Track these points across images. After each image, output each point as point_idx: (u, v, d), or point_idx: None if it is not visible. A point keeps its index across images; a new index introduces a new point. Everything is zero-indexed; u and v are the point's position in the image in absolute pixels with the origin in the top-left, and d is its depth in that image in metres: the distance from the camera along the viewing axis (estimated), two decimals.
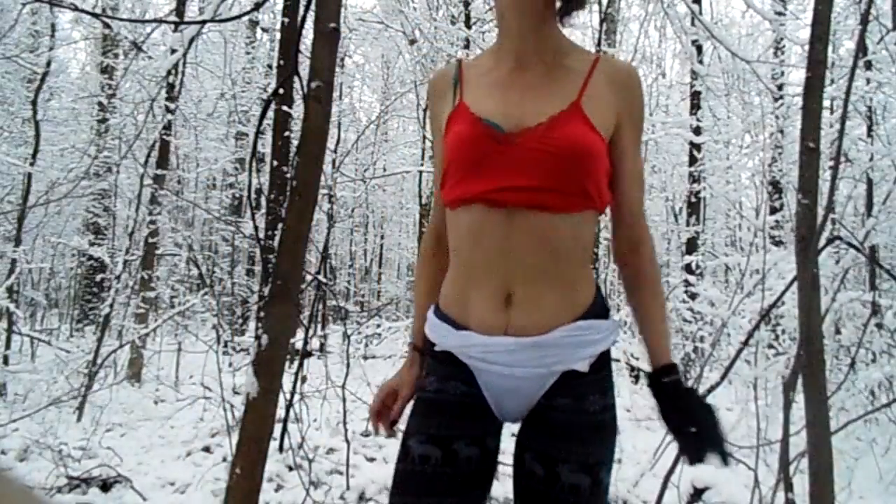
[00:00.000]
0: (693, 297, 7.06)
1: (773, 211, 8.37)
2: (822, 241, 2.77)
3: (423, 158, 10.47)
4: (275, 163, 6.60)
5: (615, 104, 1.10)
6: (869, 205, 5.87)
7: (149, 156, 7.48)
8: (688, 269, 7.87)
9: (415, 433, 1.12)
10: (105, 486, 3.78)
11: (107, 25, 6.65)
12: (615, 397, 1.14)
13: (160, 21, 4.57)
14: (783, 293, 3.39)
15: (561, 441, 1.07)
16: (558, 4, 1.12)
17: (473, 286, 1.09)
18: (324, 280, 5.29)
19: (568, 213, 1.06)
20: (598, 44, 6.11)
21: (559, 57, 1.13)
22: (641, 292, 1.17)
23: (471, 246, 1.09)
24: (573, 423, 1.07)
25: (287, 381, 3.58)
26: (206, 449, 4.67)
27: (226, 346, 7.80)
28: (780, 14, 7.29)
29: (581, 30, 9.82)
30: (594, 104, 1.08)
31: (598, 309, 1.12)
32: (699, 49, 7.01)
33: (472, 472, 1.10)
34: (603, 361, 1.11)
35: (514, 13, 1.11)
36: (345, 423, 4.23)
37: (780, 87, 6.89)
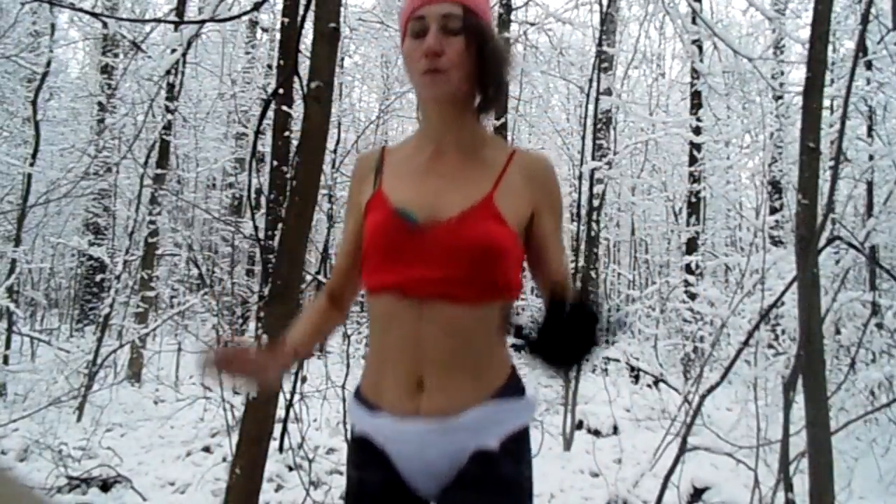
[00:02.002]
0: (693, 297, 7.06)
1: (773, 211, 8.37)
2: (822, 241, 2.77)
3: None
4: (275, 163, 6.59)
5: (530, 197, 1.15)
6: (869, 205, 5.87)
7: (149, 156, 7.48)
8: (688, 269, 7.87)
9: None
10: (105, 486, 3.78)
11: (105, 25, 6.65)
12: (531, 476, 1.15)
13: (160, 21, 4.57)
14: (783, 293, 3.39)
15: (472, 494, 1.09)
16: (477, 100, 1.17)
17: (386, 371, 1.13)
18: (324, 280, 5.28)
19: (476, 304, 1.09)
20: (599, 44, 6.11)
21: (477, 148, 1.18)
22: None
23: (383, 332, 1.14)
24: (485, 480, 1.09)
25: (287, 381, 3.58)
26: (206, 449, 4.67)
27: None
28: (780, 13, 7.29)
29: (581, 29, 9.83)
30: (508, 198, 1.13)
31: (512, 388, 1.14)
32: (700, 48, 7.01)
33: None
34: (516, 437, 1.13)
35: (435, 106, 1.17)
36: (345, 423, 4.23)
37: (780, 86, 6.90)
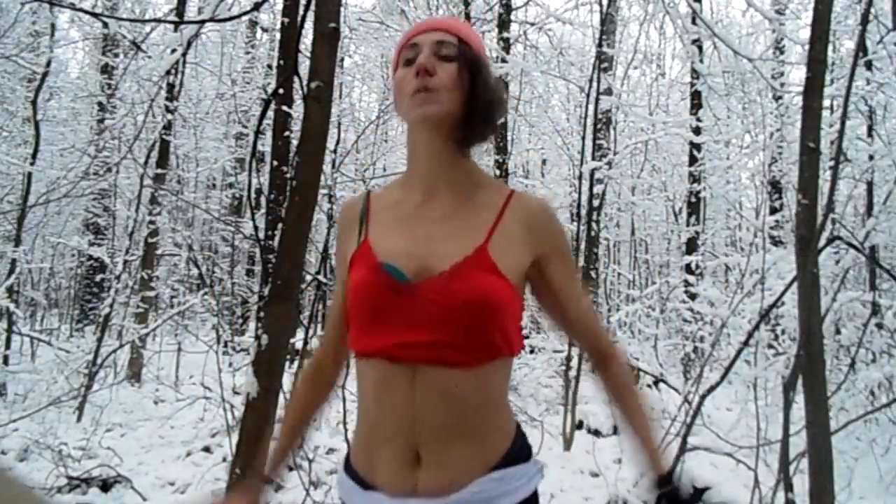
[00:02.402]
0: (693, 297, 7.06)
1: (773, 211, 8.38)
2: (822, 241, 2.77)
3: None
4: (275, 163, 6.61)
5: (532, 245, 1.08)
6: (869, 205, 5.87)
7: (149, 156, 7.49)
8: (688, 269, 7.87)
9: None
10: (105, 486, 3.79)
11: (105, 25, 6.66)
12: None
13: (159, 21, 4.57)
14: (783, 293, 3.39)
15: None
16: (465, 132, 1.08)
17: (379, 445, 1.05)
18: (324, 280, 5.29)
19: (473, 367, 1.01)
20: (599, 44, 6.11)
21: (470, 189, 1.11)
22: (622, 402, 1.16)
23: (374, 402, 1.05)
24: None
25: (287, 381, 3.58)
26: (206, 449, 4.68)
27: (226, 346, 7.81)
28: (780, 13, 7.29)
29: (581, 29, 9.84)
30: (504, 246, 1.05)
31: (517, 454, 1.07)
32: (700, 49, 7.01)
33: None
34: None
35: (425, 135, 1.09)
36: (345, 423, 4.23)
37: (780, 86, 6.90)
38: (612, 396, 1.17)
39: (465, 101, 1.05)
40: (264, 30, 13.32)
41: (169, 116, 7.47)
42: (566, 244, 1.14)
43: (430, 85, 1.04)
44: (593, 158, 7.32)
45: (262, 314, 2.45)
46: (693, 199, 9.47)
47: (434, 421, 1.01)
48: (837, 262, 4.80)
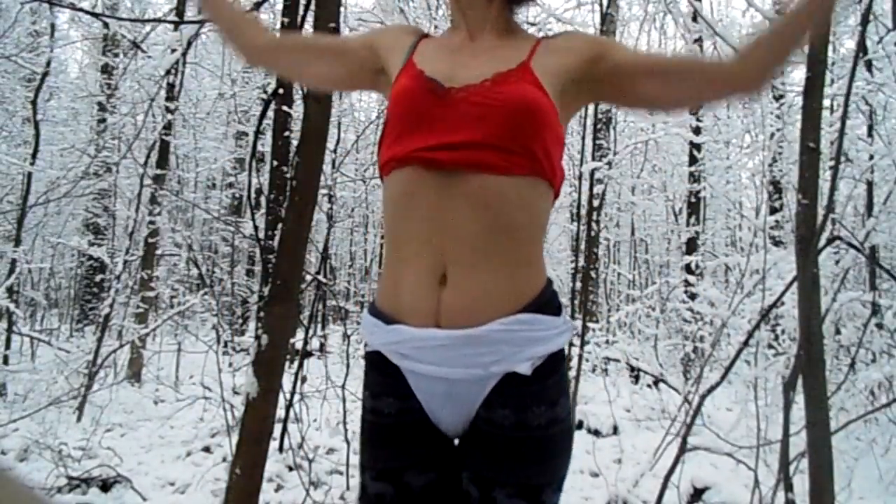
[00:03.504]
0: (693, 297, 7.06)
1: (773, 211, 8.37)
2: (822, 241, 2.77)
3: None
4: (275, 163, 6.60)
5: (568, 65, 1.06)
6: (869, 205, 5.87)
7: (149, 156, 7.48)
8: (688, 269, 7.87)
9: (368, 467, 1.06)
10: (105, 486, 3.78)
11: (105, 25, 6.67)
12: (569, 407, 1.02)
13: (160, 21, 4.57)
14: (783, 293, 3.39)
15: (498, 461, 0.97)
16: None
17: (405, 265, 1.00)
18: (324, 280, 5.29)
19: (511, 174, 0.96)
20: None
21: (509, 31, 1.12)
22: (764, 35, 1.10)
23: (403, 214, 1.00)
24: (513, 440, 0.96)
25: (287, 381, 3.58)
26: (206, 449, 4.67)
27: (226, 346, 7.80)
28: (780, 13, 7.28)
29: (581, 29, 9.84)
30: (543, 68, 1.03)
31: (547, 302, 1.00)
32: (700, 48, 7.02)
33: (432, 500, 1.03)
34: (551, 365, 0.99)
35: None
36: (345, 423, 4.23)
37: (780, 86, 6.90)
38: (756, 44, 1.10)
39: None
40: None
41: (169, 116, 7.46)
42: (599, 39, 1.16)
43: None
44: (593, 158, 7.32)
45: (262, 314, 2.45)
46: (693, 199, 9.47)
47: (465, 233, 0.96)
48: (837, 262, 4.80)
